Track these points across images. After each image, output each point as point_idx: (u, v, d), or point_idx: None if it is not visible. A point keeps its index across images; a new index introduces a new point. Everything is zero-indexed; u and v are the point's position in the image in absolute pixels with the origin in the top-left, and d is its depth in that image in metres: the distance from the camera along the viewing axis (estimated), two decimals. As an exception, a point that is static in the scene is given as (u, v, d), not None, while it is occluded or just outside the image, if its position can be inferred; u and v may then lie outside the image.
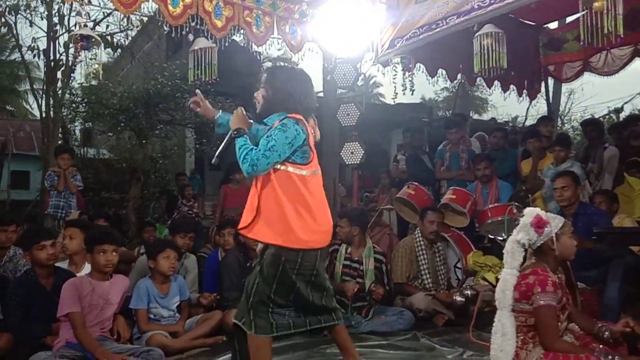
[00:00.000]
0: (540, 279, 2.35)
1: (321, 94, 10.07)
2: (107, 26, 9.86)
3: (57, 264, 3.45)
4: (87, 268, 3.51)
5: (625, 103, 12.13)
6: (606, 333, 2.43)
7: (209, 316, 3.72)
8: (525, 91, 6.70)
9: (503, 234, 4.53)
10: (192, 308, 3.89)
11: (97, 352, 2.88)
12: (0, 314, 3.20)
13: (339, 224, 4.25)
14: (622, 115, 10.75)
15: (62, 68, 9.36)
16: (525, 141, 5.66)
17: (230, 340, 3.56)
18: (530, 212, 2.45)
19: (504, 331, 2.36)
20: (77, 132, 12.59)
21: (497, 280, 2.50)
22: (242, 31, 4.73)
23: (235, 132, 2.44)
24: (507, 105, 26.95)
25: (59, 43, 9.25)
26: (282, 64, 2.54)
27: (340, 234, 4.25)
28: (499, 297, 2.39)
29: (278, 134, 2.36)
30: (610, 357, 2.31)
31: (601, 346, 2.41)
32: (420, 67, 5.87)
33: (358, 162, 5.61)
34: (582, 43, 3.91)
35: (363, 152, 5.55)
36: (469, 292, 4.18)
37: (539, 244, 2.44)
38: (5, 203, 10.80)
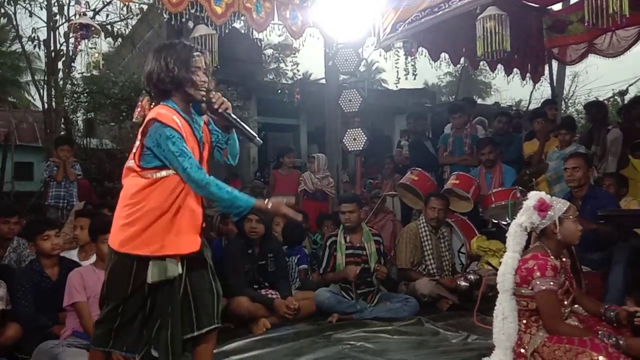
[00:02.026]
0: (540, 263, 2.35)
1: (323, 80, 10.04)
2: (107, 15, 9.78)
3: (67, 254, 3.48)
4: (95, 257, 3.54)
5: (630, 85, 11.94)
6: (611, 314, 2.43)
7: (214, 304, 3.73)
8: (528, 74, 6.65)
9: (507, 219, 4.52)
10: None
11: (103, 340, 2.90)
12: (9, 304, 3.21)
13: (347, 209, 4.14)
14: (627, 98, 10.63)
15: (63, 58, 9.32)
16: (533, 120, 5.62)
17: (237, 326, 3.61)
18: (534, 195, 2.44)
19: (505, 314, 2.36)
20: (80, 122, 12.56)
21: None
22: (242, 18, 4.70)
23: None
24: (510, 89, 26.69)
25: (59, 33, 9.20)
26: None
27: (351, 219, 4.14)
28: (500, 281, 2.40)
29: None
30: (613, 338, 2.32)
31: (605, 328, 2.41)
32: (422, 51, 5.83)
33: (361, 148, 5.60)
34: (586, 24, 3.88)
35: (366, 138, 5.54)
36: (472, 277, 4.19)
37: (542, 227, 2.43)
38: (9, 194, 10.82)
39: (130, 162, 2.12)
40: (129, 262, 2.04)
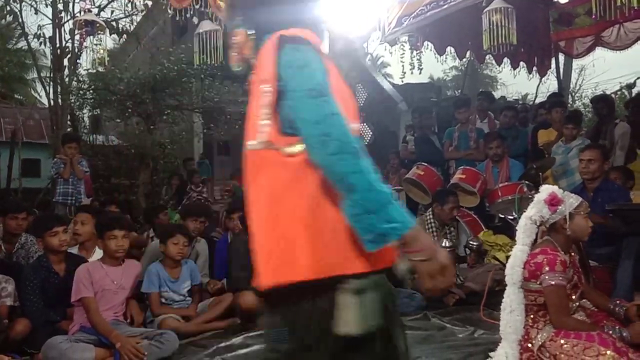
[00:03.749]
0: (549, 258, 2.33)
1: (328, 76, 9.99)
2: (112, 12, 9.79)
3: (68, 250, 3.49)
4: (97, 253, 3.55)
5: (638, 78, 11.82)
6: (619, 309, 2.42)
7: (220, 299, 3.74)
8: (535, 68, 6.61)
9: (513, 213, 4.50)
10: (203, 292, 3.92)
11: (111, 335, 2.92)
12: (17, 300, 3.24)
13: None
14: (635, 91, 10.54)
15: (69, 55, 9.35)
16: (551, 109, 5.56)
17: (244, 321, 3.62)
18: (546, 189, 2.42)
19: (512, 307, 2.34)
20: (86, 119, 12.63)
21: (508, 259, 2.48)
22: (247, 13, 4.68)
23: None
24: (517, 82, 26.50)
25: (64, 30, 9.23)
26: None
27: None
28: (508, 273, 2.37)
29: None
30: (617, 328, 2.31)
31: (611, 322, 2.40)
32: (428, 45, 5.81)
33: (366, 143, 5.58)
34: (594, 17, 3.84)
35: (371, 133, 5.53)
36: (473, 244, 4.26)
37: (551, 222, 2.41)
38: (17, 191, 10.90)
39: (259, 142, 1.20)
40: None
